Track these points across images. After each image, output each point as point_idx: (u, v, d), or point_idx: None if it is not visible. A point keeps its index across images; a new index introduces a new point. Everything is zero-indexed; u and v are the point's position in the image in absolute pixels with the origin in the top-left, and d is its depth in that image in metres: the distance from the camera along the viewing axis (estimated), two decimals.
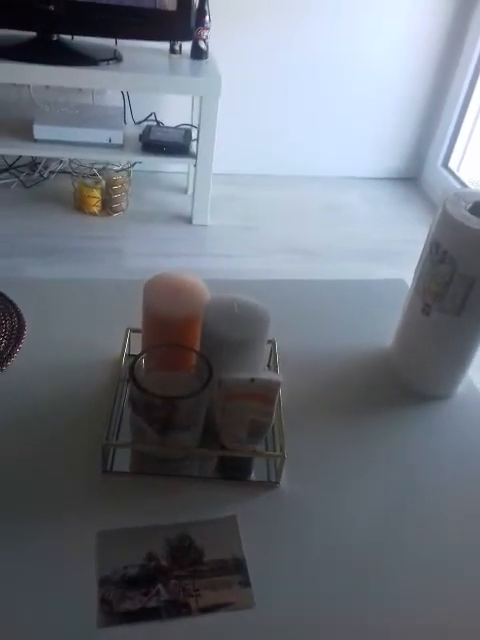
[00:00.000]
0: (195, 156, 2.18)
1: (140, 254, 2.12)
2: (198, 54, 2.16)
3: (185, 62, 2.20)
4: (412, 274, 0.74)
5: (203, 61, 2.18)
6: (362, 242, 2.35)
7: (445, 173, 2.71)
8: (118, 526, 0.57)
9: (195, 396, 0.58)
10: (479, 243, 0.63)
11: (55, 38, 2.06)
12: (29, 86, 2.32)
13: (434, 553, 0.59)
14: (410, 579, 0.56)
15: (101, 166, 2.32)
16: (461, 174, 2.68)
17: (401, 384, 0.77)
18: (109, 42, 2.15)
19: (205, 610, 0.52)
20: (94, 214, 2.29)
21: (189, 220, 2.33)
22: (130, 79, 2.05)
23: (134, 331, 0.73)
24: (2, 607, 0.50)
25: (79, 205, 2.30)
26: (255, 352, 0.64)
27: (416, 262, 0.73)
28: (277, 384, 0.59)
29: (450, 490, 0.66)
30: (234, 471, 0.65)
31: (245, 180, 2.64)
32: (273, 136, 2.65)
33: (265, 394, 0.59)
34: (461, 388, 0.77)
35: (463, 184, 2.61)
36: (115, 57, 2.07)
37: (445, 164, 2.74)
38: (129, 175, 2.33)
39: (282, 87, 2.54)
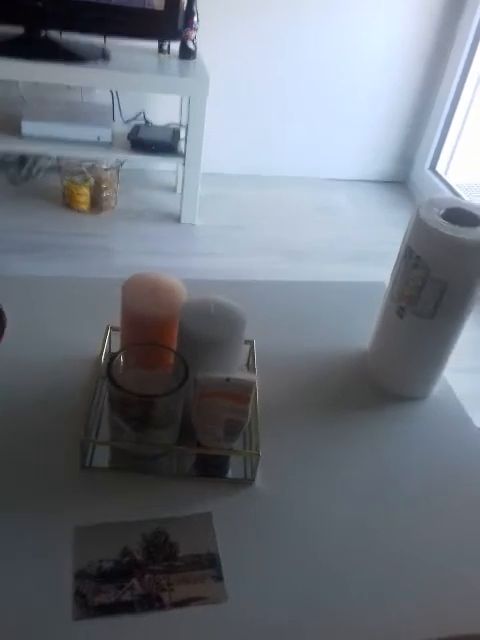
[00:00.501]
0: (183, 155, 2.18)
1: (128, 252, 2.12)
2: (186, 54, 2.17)
3: (173, 62, 2.20)
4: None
5: (191, 61, 2.19)
6: (349, 244, 2.37)
7: (432, 177, 2.74)
8: (95, 521, 0.58)
9: (171, 395, 0.59)
10: (451, 248, 0.65)
11: (43, 34, 2.06)
12: (18, 82, 2.32)
13: (406, 551, 0.60)
14: (381, 576, 0.58)
15: (90, 164, 2.32)
16: (448, 177, 2.71)
17: (377, 385, 0.79)
18: (98, 40, 2.15)
19: (178, 604, 0.53)
20: (83, 212, 2.29)
21: (177, 219, 2.34)
22: (118, 78, 2.06)
23: (114, 329, 0.74)
24: None
25: (68, 202, 2.30)
26: (231, 352, 0.65)
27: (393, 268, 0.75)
28: (251, 384, 0.60)
29: (424, 489, 0.67)
30: (210, 469, 0.66)
31: (234, 180, 2.66)
32: (262, 136, 2.67)
33: (240, 394, 0.60)
34: (436, 389, 0.79)
35: (450, 187, 2.64)
36: (103, 55, 2.07)
37: (433, 167, 2.77)
38: (118, 173, 2.33)
39: (271, 88, 2.56)
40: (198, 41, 2.17)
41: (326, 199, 2.68)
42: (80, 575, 0.54)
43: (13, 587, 0.52)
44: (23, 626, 0.50)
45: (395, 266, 0.73)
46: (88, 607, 0.52)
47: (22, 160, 2.47)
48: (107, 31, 2.07)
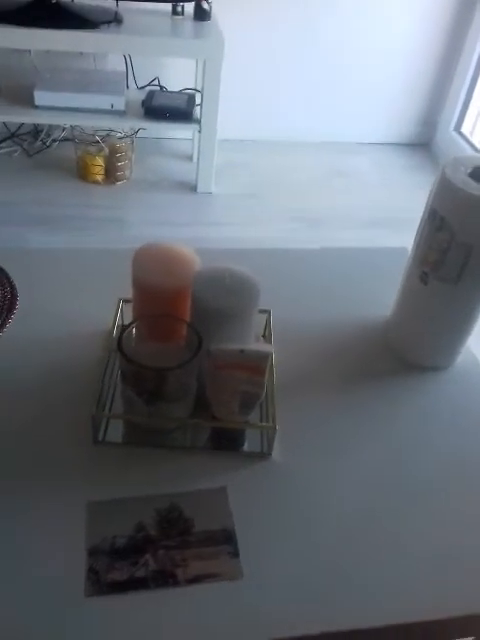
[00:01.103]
0: (199, 122, 2.13)
1: (143, 223, 2.10)
2: (201, 15, 2.10)
3: (188, 24, 2.14)
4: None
5: (206, 23, 2.12)
6: (370, 210, 2.31)
7: (458, 138, 2.64)
8: (108, 496, 0.57)
9: (184, 367, 0.57)
10: (478, 209, 0.61)
11: (54, 1, 2.01)
12: (30, 51, 2.27)
13: (428, 524, 0.58)
14: (402, 550, 0.56)
15: (104, 133, 2.28)
16: (474, 139, 2.61)
17: (399, 355, 0.76)
18: (110, 4, 2.09)
19: (192, 580, 0.52)
20: (97, 182, 2.26)
21: (193, 188, 2.30)
22: (131, 42, 2.00)
23: (126, 301, 0.72)
24: None
25: (82, 173, 2.27)
26: (246, 322, 0.62)
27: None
28: (267, 355, 0.58)
29: (447, 460, 0.65)
30: (226, 442, 0.65)
31: (251, 146, 2.59)
32: (281, 101, 2.59)
33: (255, 365, 0.58)
34: (460, 358, 0.76)
35: (476, 149, 2.54)
36: (116, 19, 2.01)
37: (457, 129, 2.67)
38: (132, 142, 2.29)
39: (289, 50, 2.47)
40: (213, 1, 2.09)
41: (347, 164, 2.61)
42: (93, 551, 0.53)
43: (26, 564, 0.52)
44: (36, 603, 0.49)
45: (418, 229, 0.69)
46: (101, 584, 0.51)
47: (36, 131, 2.44)
48: None
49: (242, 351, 0.57)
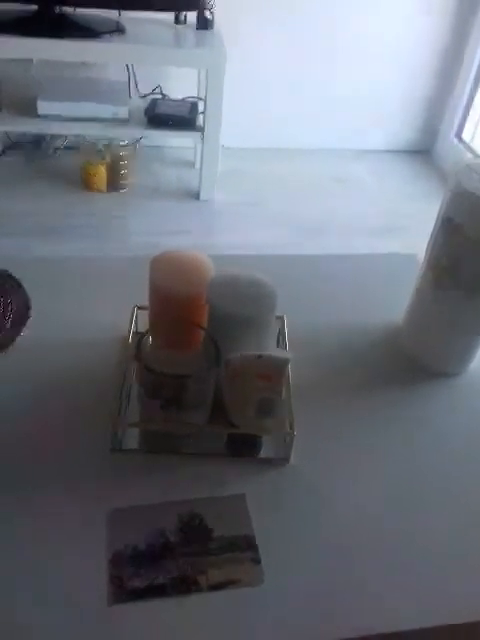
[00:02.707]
0: (202, 130, 2.14)
1: (147, 231, 2.10)
2: (203, 24, 2.12)
3: (190, 33, 2.15)
4: (424, 249, 0.73)
5: (209, 32, 2.13)
6: (372, 217, 2.32)
7: (459, 145, 2.65)
8: (128, 504, 0.57)
9: (202, 374, 0.58)
10: None
11: (57, 11, 2.02)
12: (33, 61, 2.29)
13: (447, 529, 0.58)
14: (421, 556, 0.56)
15: (107, 142, 2.29)
16: (475, 145, 2.63)
17: (412, 361, 0.76)
18: (112, 14, 2.10)
19: (214, 587, 0.52)
20: (100, 191, 2.27)
21: (196, 195, 2.31)
22: (133, 51, 2.02)
23: (141, 308, 0.72)
24: (13, 584, 0.50)
25: (85, 182, 2.28)
26: (262, 329, 0.63)
27: (428, 237, 0.71)
28: (285, 361, 0.58)
29: (461, 467, 0.65)
30: (243, 448, 0.65)
31: (253, 154, 2.60)
32: (282, 109, 2.60)
33: (273, 372, 0.58)
34: (473, 365, 0.76)
35: (477, 156, 2.56)
36: (118, 29, 2.03)
37: (458, 135, 2.68)
38: (135, 150, 2.30)
39: (291, 58, 2.48)
40: (215, 11, 2.11)
41: (348, 171, 2.62)
42: (115, 559, 0.53)
43: (48, 572, 0.52)
44: (58, 612, 0.49)
45: (431, 235, 0.69)
46: (124, 591, 0.51)
47: (38, 140, 2.45)
48: (121, 4, 2.02)
49: (260, 357, 0.58)
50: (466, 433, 0.69)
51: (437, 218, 0.68)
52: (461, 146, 2.64)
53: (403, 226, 2.24)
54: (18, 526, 0.55)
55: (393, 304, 0.82)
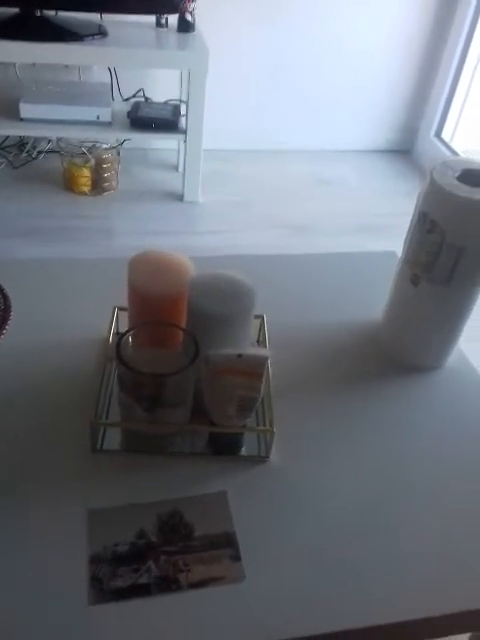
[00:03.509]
0: (185, 132, 2.15)
1: (131, 232, 2.10)
2: (185, 27, 2.12)
3: (172, 36, 2.15)
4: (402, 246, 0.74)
5: (190, 34, 2.14)
6: (354, 216, 2.34)
7: (438, 144, 2.68)
8: (108, 504, 0.57)
9: (182, 373, 0.58)
10: (467, 212, 0.62)
11: (38, 14, 2.02)
12: (15, 64, 2.28)
13: (426, 523, 0.59)
14: (401, 549, 0.56)
15: (90, 144, 2.29)
16: (454, 144, 2.66)
17: (391, 356, 0.77)
18: (94, 17, 2.10)
19: (195, 585, 0.52)
20: (84, 193, 2.26)
21: (180, 197, 2.31)
22: (116, 54, 2.02)
23: (121, 309, 0.72)
24: None
25: (69, 184, 2.27)
26: (242, 327, 0.63)
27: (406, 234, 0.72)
28: (264, 359, 0.59)
29: (440, 461, 0.65)
30: (224, 447, 0.65)
31: (236, 156, 2.61)
32: (264, 110, 2.62)
33: (252, 370, 0.58)
34: (451, 359, 0.77)
35: (456, 154, 2.58)
36: (100, 32, 2.02)
37: (438, 134, 2.71)
38: (118, 153, 2.30)
39: (272, 59, 2.50)
40: (196, 13, 2.11)
41: (329, 171, 2.64)
42: (95, 559, 0.53)
43: (27, 572, 0.51)
44: (38, 612, 0.49)
45: (408, 232, 0.70)
46: (104, 591, 0.51)
47: (21, 143, 2.44)
48: (103, 7, 2.02)
49: (240, 356, 0.58)
50: (444, 426, 0.70)
51: (413, 214, 0.69)
52: (441, 145, 2.67)
53: (385, 224, 2.25)
54: None
55: (372, 301, 0.83)
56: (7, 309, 0.77)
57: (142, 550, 0.54)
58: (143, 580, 0.52)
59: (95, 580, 0.51)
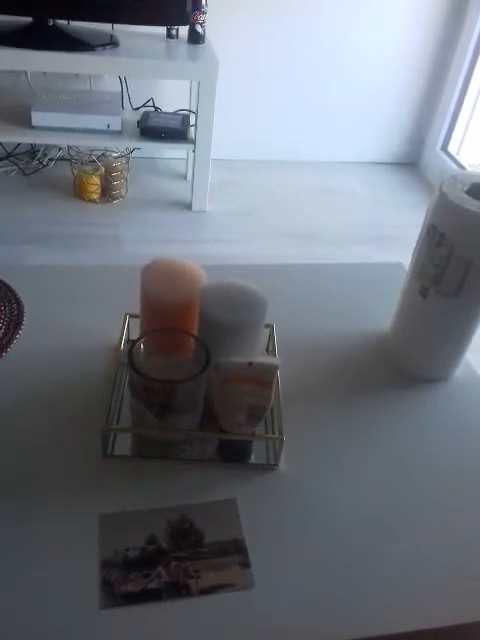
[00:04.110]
0: (194, 142, 2.16)
1: (139, 240, 2.11)
2: (195, 39, 2.14)
3: (182, 47, 2.18)
4: (410, 259, 0.74)
5: (200, 45, 2.16)
6: (360, 227, 2.35)
7: (445, 157, 2.69)
8: (119, 509, 0.58)
9: (193, 380, 0.58)
10: (476, 225, 0.63)
11: (51, 23, 2.05)
12: (27, 73, 2.30)
13: (433, 532, 0.59)
14: (409, 560, 0.57)
15: (100, 153, 2.31)
16: (461, 158, 2.67)
17: (399, 367, 0.78)
18: (105, 27, 2.13)
19: (205, 591, 0.52)
20: (93, 201, 2.28)
21: (188, 206, 2.32)
22: (126, 64, 2.04)
23: (133, 316, 0.73)
24: (3, 590, 0.51)
25: (78, 192, 2.29)
26: (252, 336, 0.64)
27: (414, 246, 0.73)
28: (275, 368, 0.59)
29: (447, 471, 0.66)
30: (233, 454, 0.65)
31: (244, 166, 2.63)
32: (272, 121, 2.64)
33: (263, 378, 0.59)
34: (459, 371, 0.77)
35: (462, 168, 2.59)
36: (112, 42, 2.05)
37: (444, 148, 2.72)
38: (128, 162, 2.32)
39: (280, 71, 2.52)
40: (206, 25, 2.14)
41: (336, 183, 2.65)
42: (106, 564, 0.53)
43: (39, 577, 0.52)
44: (49, 617, 0.50)
45: (417, 244, 0.71)
46: (115, 596, 0.51)
47: (32, 151, 2.47)
48: (115, 18, 2.05)
49: (250, 364, 0.59)
50: (453, 437, 0.70)
51: (422, 227, 0.70)
52: (447, 158, 2.68)
53: (391, 236, 2.27)
54: (10, 530, 0.55)
55: (380, 312, 0.84)
56: (20, 314, 0.78)
57: (152, 556, 0.54)
58: (153, 585, 0.52)
59: (106, 584, 0.52)
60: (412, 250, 0.74)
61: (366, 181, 2.69)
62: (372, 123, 2.73)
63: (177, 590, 0.52)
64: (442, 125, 2.69)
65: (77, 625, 0.49)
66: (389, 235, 2.28)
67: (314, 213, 2.41)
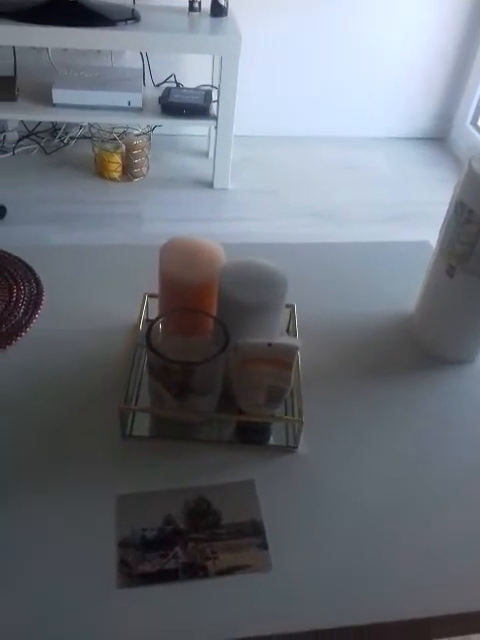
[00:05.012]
0: (216, 118, 2.13)
1: (161, 219, 2.11)
2: (218, 11, 2.10)
3: (204, 20, 2.14)
4: (437, 237, 0.72)
5: (223, 19, 2.12)
6: (387, 204, 2.30)
7: (474, 132, 2.62)
8: (137, 490, 0.58)
9: (211, 361, 0.58)
10: None
11: None
12: (48, 50, 2.29)
13: (453, 517, 0.58)
14: (428, 544, 0.56)
15: (121, 130, 2.30)
16: None
17: (423, 348, 0.76)
18: (127, 1, 2.10)
19: (222, 572, 0.52)
20: (114, 179, 2.27)
21: (210, 184, 2.30)
22: (148, 39, 2.01)
23: (151, 296, 0.72)
24: (22, 569, 0.51)
25: (99, 170, 2.28)
26: (272, 317, 0.63)
27: (441, 224, 0.70)
28: (295, 349, 0.58)
29: (470, 455, 0.64)
30: (252, 435, 0.65)
31: (267, 142, 2.59)
32: (296, 96, 2.59)
33: (282, 359, 0.58)
34: None
35: None
36: (133, 16, 2.02)
37: (474, 122, 2.65)
38: (149, 139, 2.30)
39: (305, 45, 2.46)
40: None
41: (362, 159, 2.60)
42: (123, 544, 0.53)
43: (57, 557, 0.52)
44: (68, 595, 0.50)
45: (444, 222, 0.69)
46: (132, 576, 0.51)
47: (54, 129, 2.46)
48: None
49: (270, 345, 0.57)
50: (476, 418, 0.68)
51: (450, 204, 0.67)
52: (476, 133, 2.60)
53: (418, 213, 2.22)
54: (28, 510, 0.55)
55: (405, 292, 0.81)
56: (39, 294, 0.78)
57: (169, 536, 0.54)
58: (170, 566, 0.52)
59: (123, 564, 0.52)
60: (439, 228, 0.71)
61: (393, 157, 2.64)
62: (399, 98, 2.66)
63: (194, 571, 0.52)
64: (472, 99, 2.61)
65: (94, 604, 0.50)
66: (416, 212, 2.23)
67: (338, 190, 2.36)
